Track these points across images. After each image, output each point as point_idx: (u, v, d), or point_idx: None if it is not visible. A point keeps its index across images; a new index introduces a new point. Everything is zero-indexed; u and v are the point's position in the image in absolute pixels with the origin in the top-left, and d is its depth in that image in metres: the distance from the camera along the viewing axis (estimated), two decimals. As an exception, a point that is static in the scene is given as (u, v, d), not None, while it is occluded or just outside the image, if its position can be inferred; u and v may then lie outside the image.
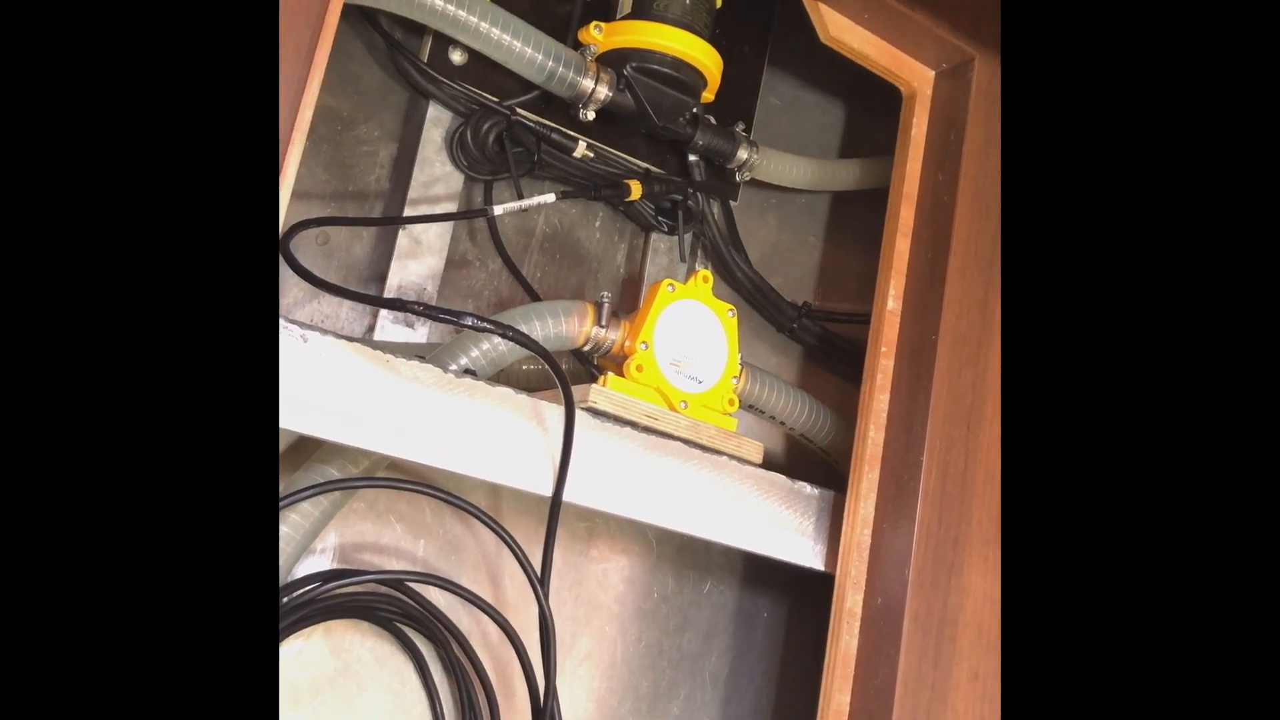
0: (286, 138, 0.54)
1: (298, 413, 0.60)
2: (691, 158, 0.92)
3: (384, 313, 0.81)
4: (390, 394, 0.64)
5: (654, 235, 0.96)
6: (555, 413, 0.70)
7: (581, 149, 0.85)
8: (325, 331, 0.63)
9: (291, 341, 0.61)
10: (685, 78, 0.83)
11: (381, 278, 0.82)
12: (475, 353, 0.71)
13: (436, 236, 0.84)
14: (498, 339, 0.71)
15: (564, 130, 0.85)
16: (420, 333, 0.82)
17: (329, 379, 0.62)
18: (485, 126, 0.83)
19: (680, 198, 0.91)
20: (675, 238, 0.96)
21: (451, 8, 0.75)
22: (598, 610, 0.83)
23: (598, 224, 0.96)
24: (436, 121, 0.85)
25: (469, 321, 0.61)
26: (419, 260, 0.84)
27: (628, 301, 0.97)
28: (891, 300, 0.81)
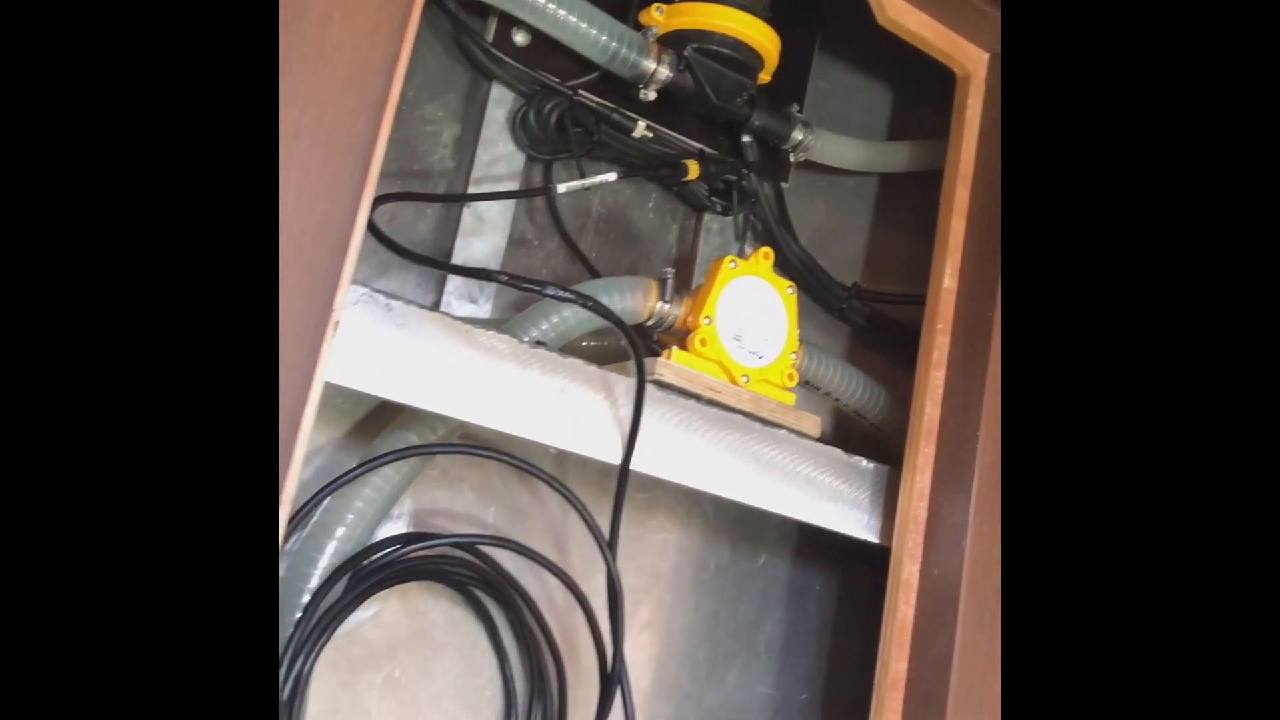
0: (379, 115, 0.56)
1: (381, 378, 0.62)
2: (745, 138, 0.93)
3: (450, 288, 0.82)
4: (469, 363, 0.65)
5: (706, 215, 0.98)
6: (622, 384, 0.72)
7: (641, 129, 0.87)
8: (409, 301, 0.64)
9: (377, 310, 0.63)
10: (744, 59, 0.84)
11: (445, 254, 0.84)
12: (545, 325, 0.73)
13: (499, 214, 0.86)
14: (566, 312, 0.72)
15: (623, 111, 0.87)
16: (484, 308, 0.84)
17: (411, 347, 0.64)
18: (548, 107, 0.84)
19: (734, 178, 0.93)
20: (726, 218, 0.97)
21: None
22: (657, 579, 0.84)
23: (651, 204, 0.98)
24: (499, 102, 0.87)
25: (551, 291, 0.63)
26: (482, 238, 0.85)
27: (679, 280, 0.98)
28: (948, 279, 0.82)
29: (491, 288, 0.84)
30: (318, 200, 0.54)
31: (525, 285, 0.63)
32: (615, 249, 0.95)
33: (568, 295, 0.65)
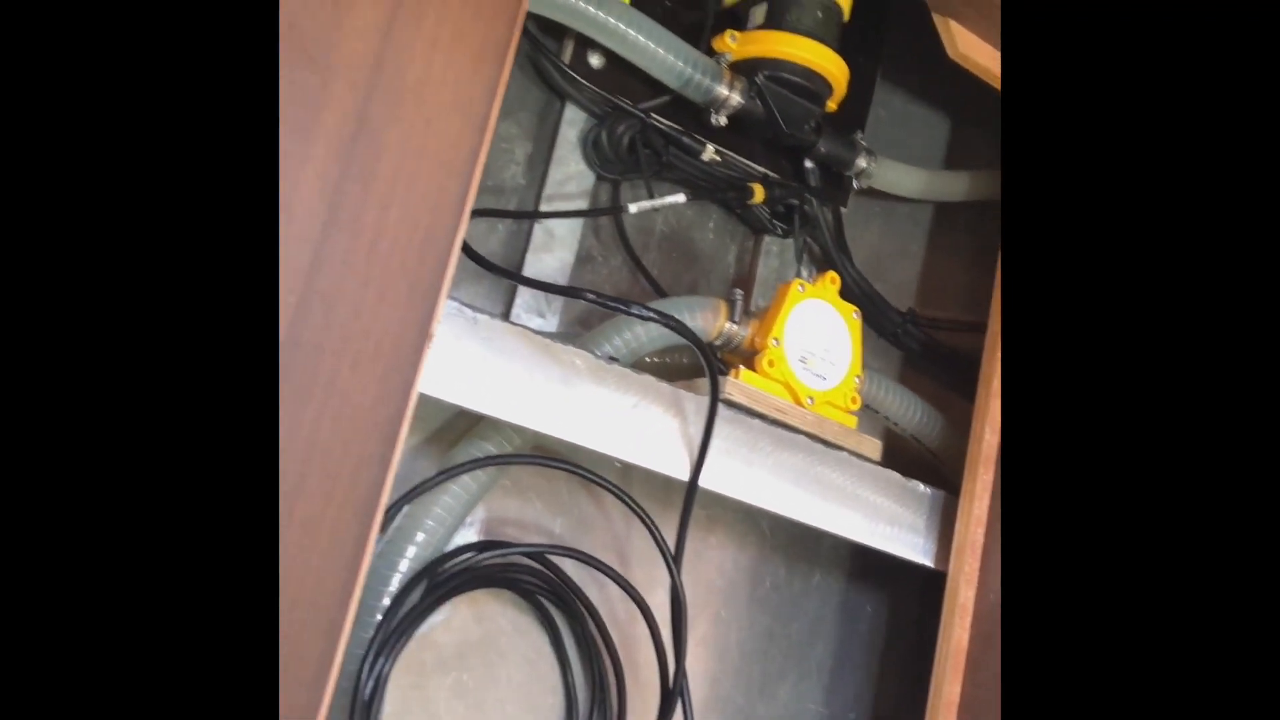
0: (480, 137, 0.58)
1: (467, 390, 0.64)
2: (808, 164, 0.95)
3: (519, 302, 0.84)
4: (549, 376, 0.67)
5: (765, 237, 0.99)
6: (692, 402, 0.73)
7: (710, 152, 0.89)
8: (493, 315, 0.66)
9: (464, 323, 0.65)
10: (814, 87, 0.86)
11: (515, 268, 0.86)
12: (618, 341, 0.74)
13: (569, 231, 0.88)
14: (639, 329, 0.74)
15: (692, 134, 0.89)
16: (551, 322, 0.86)
17: (495, 360, 0.66)
18: (620, 129, 0.86)
19: (796, 202, 0.95)
20: (784, 240, 0.99)
21: (599, 12, 0.79)
22: (714, 594, 0.86)
23: (711, 225, 0.99)
24: (572, 122, 0.89)
25: (636, 310, 0.65)
26: (552, 254, 0.87)
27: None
28: (1009, 308, 0.83)
29: (559, 302, 0.86)
30: (421, 218, 0.56)
31: (611, 304, 0.64)
32: (676, 267, 0.97)
33: (651, 315, 0.66)
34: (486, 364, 0.65)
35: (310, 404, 0.51)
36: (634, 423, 0.71)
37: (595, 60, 0.88)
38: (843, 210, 1.01)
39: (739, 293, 0.80)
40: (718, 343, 0.80)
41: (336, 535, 0.51)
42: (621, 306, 0.65)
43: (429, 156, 0.56)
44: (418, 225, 0.56)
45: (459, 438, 0.73)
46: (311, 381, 0.51)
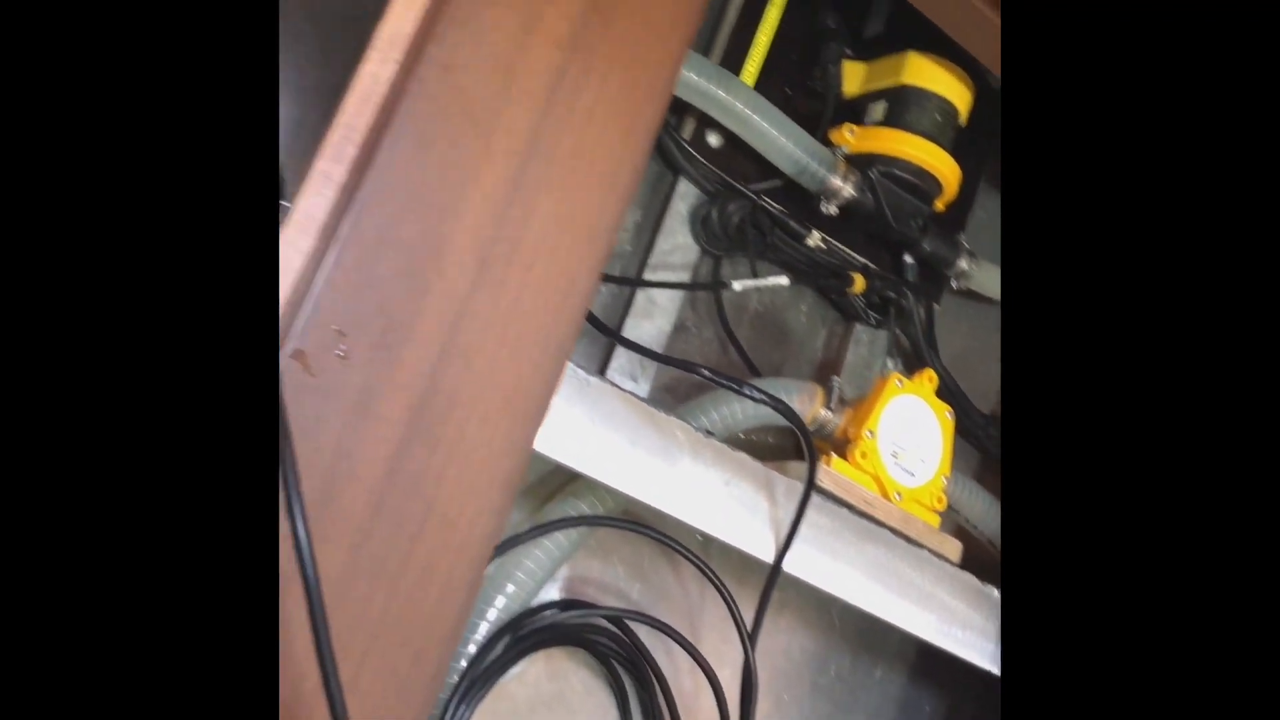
0: (622, 208, 0.60)
1: (573, 450, 0.66)
2: (908, 259, 0.96)
3: (615, 364, 0.86)
4: (650, 444, 0.69)
5: (857, 325, 1.00)
6: (782, 484, 0.74)
7: (815, 239, 0.90)
8: (603, 378, 0.68)
9: (576, 384, 0.67)
10: (926, 187, 0.88)
11: (615, 331, 0.88)
12: (715, 415, 0.76)
13: (669, 300, 0.90)
14: (736, 406, 0.76)
15: (800, 219, 0.91)
16: (643, 386, 0.88)
17: (601, 422, 0.67)
18: (730, 208, 0.88)
19: (893, 295, 0.96)
20: (876, 330, 1.00)
21: (729, 97, 0.82)
22: (778, 677, 0.86)
23: (804, 307, 1.01)
24: (684, 196, 0.91)
25: (749, 391, 0.66)
26: (651, 320, 0.89)
27: (821, 380, 1.01)
28: (1102, 424, 0.84)
29: (653, 367, 0.87)
30: (559, 282, 0.58)
31: (724, 383, 0.66)
32: (766, 345, 0.99)
33: (763, 398, 0.68)
34: (594, 426, 0.67)
35: (439, 451, 0.53)
36: (725, 499, 0.71)
37: (714, 139, 0.90)
38: (936, 307, 1.02)
39: (837, 380, 0.81)
40: (811, 428, 0.81)
41: (450, 582, 0.53)
42: (735, 386, 0.66)
43: (573, 223, 0.58)
44: (555, 288, 0.58)
45: (550, 494, 0.74)
46: (443, 430, 0.53)
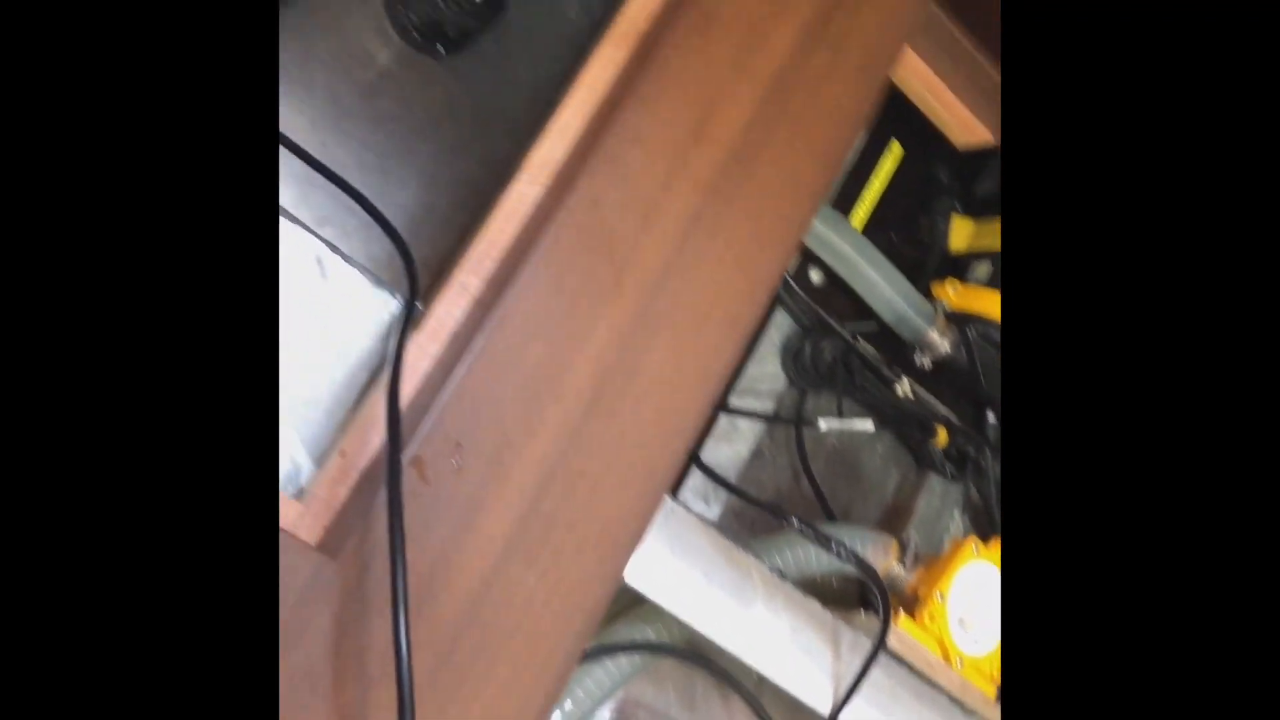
0: (739, 348, 0.62)
1: (650, 578, 0.66)
2: (992, 418, 0.96)
3: (688, 485, 0.87)
4: (724, 581, 0.69)
5: (931, 475, 1.00)
6: (848, 635, 0.74)
7: (905, 388, 0.91)
8: (677, 500, 0.69)
9: (662, 511, 0.67)
10: (1022, 354, 0.88)
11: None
12: (789, 556, 0.76)
13: (750, 427, 0.91)
14: (812, 552, 0.75)
15: (892, 364, 0.92)
16: (713, 510, 0.88)
17: (680, 553, 0.67)
18: (824, 345, 0.90)
19: (972, 451, 0.96)
20: (950, 482, 1.00)
21: (839, 240, 0.83)
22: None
23: (880, 450, 1.01)
24: (779, 326, 0.93)
25: (835, 548, 0.66)
26: (730, 445, 0.90)
27: (888, 525, 1.00)
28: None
29: (724, 491, 0.88)
30: (669, 418, 0.59)
31: (814, 534, 0.66)
32: (838, 482, 0.99)
33: (850, 560, 0.68)
34: (672, 557, 0.67)
35: (534, 569, 0.54)
36: (790, 645, 0.71)
37: (816, 276, 0.92)
38: (1011, 467, 1.02)
39: (914, 537, 0.80)
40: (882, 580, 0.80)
41: (527, 698, 0.53)
42: (824, 542, 0.66)
43: (689, 361, 0.60)
44: (664, 423, 0.59)
45: (616, 611, 0.74)
46: (540, 551, 0.54)
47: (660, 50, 0.61)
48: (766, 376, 0.92)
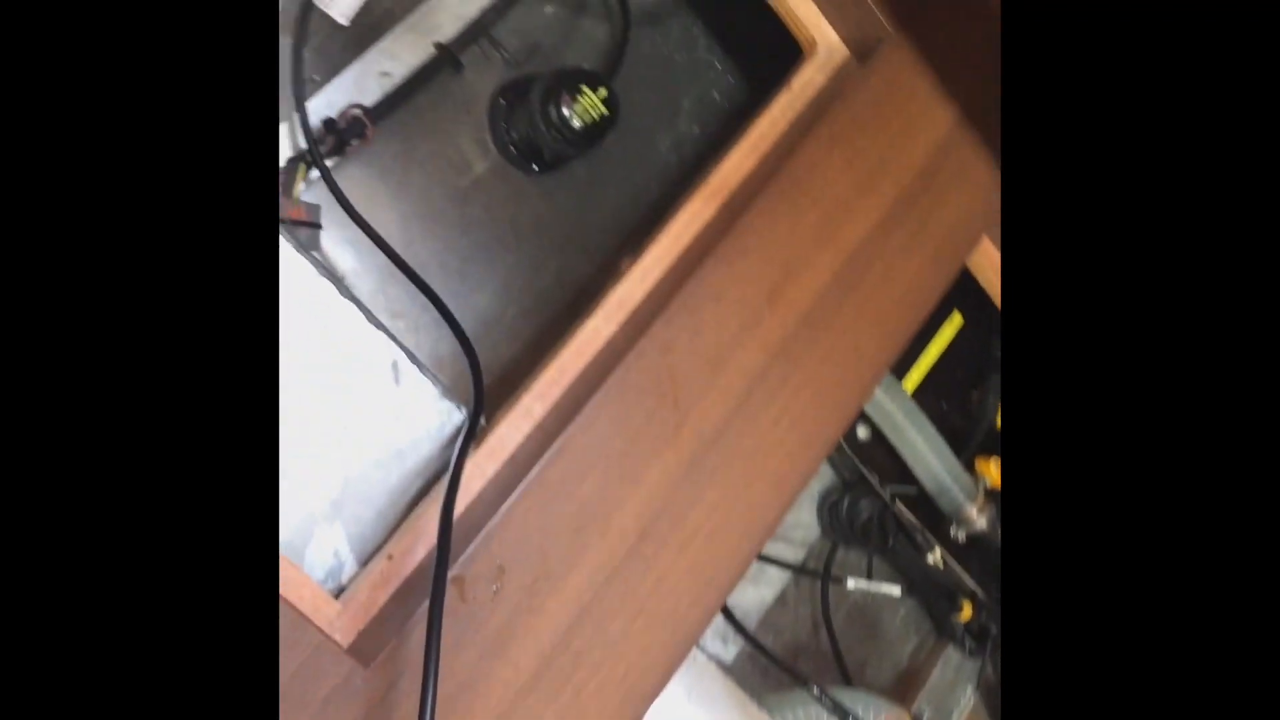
0: (785, 509, 0.63)
1: (664, 718, 0.66)
2: (1019, 599, 0.96)
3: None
4: (736, 735, 0.68)
5: (950, 646, 0.99)
6: (850, 808, 0.73)
7: (936, 556, 0.91)
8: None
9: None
10: (1058, 542, 0.88)
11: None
12: (801, 714, 0.75)
13: (778, 575, 0.91)
14: (824, 711, 0.75)
15: (926, 532, 0.92)
16: (730, 650, 0.88)
17: (698, 702, 0.67)
18: (862, 503, 0.90)
19: (994, 629, 0.95)
20: (967, 657, 0.99)
21: (888, 400, 0.85)
22: None
23: (902, 612, 1.00)
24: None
25: (859, 709, 0.66)
26: (756, 588, 0.90)
27: (898, 692, 0.99)
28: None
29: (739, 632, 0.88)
30: (706, 571, 0.59)
31: (834, 706, 0.66)
32: (855, 638, 0.98)
33: (862, 728, 0.67)
34: (688, 703, 0.67)
35: (554, 704, 0.54)
36: (791, 808, 0.70)
37: (863, 432, 0.92)
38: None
39: (926, 712, 0.80)
40: (888, 752, 0.79)
41: (525, 840, 0.53)
42: (840, 711, 0.66)
43: (735, 516, 0.60)
44: (701, 574, 0.59)
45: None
46: (562, 689, 0.54)
47: (748, 211, 0.63)
48: (800, 524, 0.93)
